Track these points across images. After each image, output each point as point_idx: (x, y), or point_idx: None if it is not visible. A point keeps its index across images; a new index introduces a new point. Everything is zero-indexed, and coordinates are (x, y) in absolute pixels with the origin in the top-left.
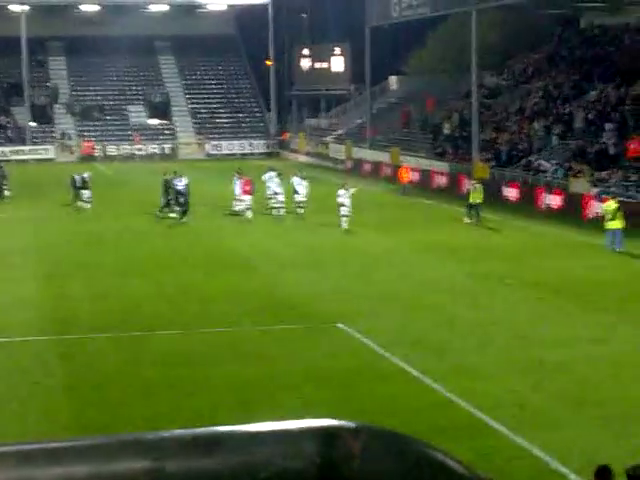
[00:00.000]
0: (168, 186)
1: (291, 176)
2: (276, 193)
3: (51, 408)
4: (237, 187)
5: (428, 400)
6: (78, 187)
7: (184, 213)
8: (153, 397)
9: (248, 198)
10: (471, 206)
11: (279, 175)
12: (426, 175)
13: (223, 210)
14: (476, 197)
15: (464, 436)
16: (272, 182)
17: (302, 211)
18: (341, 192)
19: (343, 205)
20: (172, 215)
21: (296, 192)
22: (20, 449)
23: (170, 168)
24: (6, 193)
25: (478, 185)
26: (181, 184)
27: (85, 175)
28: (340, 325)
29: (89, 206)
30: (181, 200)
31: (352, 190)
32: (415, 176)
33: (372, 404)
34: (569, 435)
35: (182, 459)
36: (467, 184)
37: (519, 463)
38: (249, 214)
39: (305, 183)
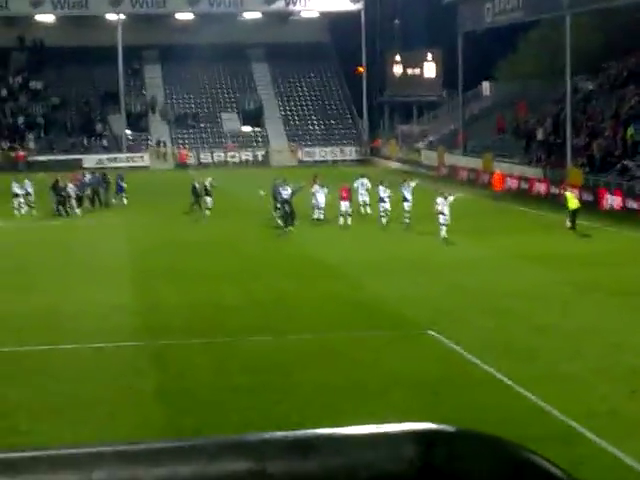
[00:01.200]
0: (276, 192)
1: (399, 184)
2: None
3: (143, 412)
4: (319, 196)
5: (519, 408)
6: (199, 194)
7: (287, 221)
8: (242, 402)
9: (346, 205)
10: (573, 213)
11: (383, 183)
12: (520, 181)
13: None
14: (573, 203)
15: (556, 444)
16: (363, 189)
17: (408, 221)
18: (440, 200)
19: (442, 213)
20: (279, 222)
21: (405, 200)
22: (123, 449)
23: (280, 175)
24: (113, 201)
25: (571, 192)
26: (286, 192)
27: (207, 182)
28: (430, 332)
29: (208, 213)
30: (286, 209)
31: (451, 198)
32: (509, 182)
33: (462, 411)
34: None
35: (283, 461)
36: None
37: (612, 472)
38: (342, 220)
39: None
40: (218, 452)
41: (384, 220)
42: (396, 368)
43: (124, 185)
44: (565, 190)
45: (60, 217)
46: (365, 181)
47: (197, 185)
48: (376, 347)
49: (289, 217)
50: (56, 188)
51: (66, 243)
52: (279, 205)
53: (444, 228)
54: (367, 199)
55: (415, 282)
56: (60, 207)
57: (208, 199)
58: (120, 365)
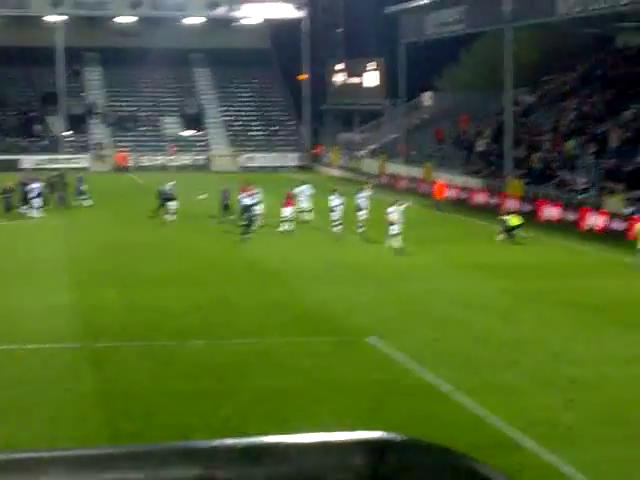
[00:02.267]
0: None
1: (356, 192)
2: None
3: (82, 415)
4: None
5: (458, 416)
6: (164, 199)
7: (247, 231)
8: (182, 407)
9: (289, 211)
10: (510, 229)
11: (334, 192)
12: (460, 191)
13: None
14: (515, 220)
15: (495, 453)
16: (303, 196)
17: (362, 229)
18: (391, 209)
19: (393, 223)
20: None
21: (359, 209)
22: (70, 454)
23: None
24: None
25: (512, 213)
26: (247, 199)
27: (168, 186)
28: (371, 339)
29: (174, 218)
30: (250, 215)
31: (403, 207)
32: (449, 192)
33: (402, 419)
34: (601, 454)
35: (232, 468)
36: (507, 201)
37: None
38: (287, 226)
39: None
40: (167, 458)
41: (336, 230)
42: (337, 375)
43: (83, 188)
44: (504, 215)
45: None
46: (305, 188)
47: (162, 189)
48: (318, 353)
49: (250, 224)
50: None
51: (7, 244)
52: (241, 212)
53: (399, 238)
54: (307, 205)
55: (358, 289)
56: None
57: (171, 203)
58: (59, 367)
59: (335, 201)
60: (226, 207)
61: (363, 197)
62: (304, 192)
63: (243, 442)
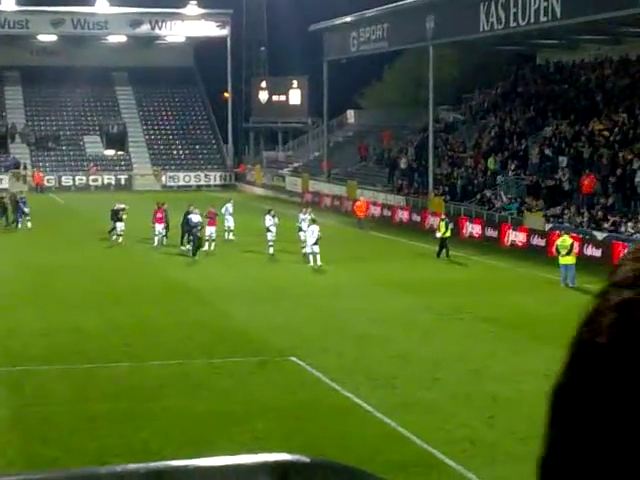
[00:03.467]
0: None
1: (299, 214)
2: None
3: None
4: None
5: (380, 434)
6: (115, 219)
7: (197, 249)
8: (100, 430)
9: (211, 230)
10: (442, 242)
11: (270, 212)
12: (383, 209)
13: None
14: (445, 232)
15: (415, 470)
16: (227, 214)
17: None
18: (267, 217)
19: (269, 230)
20: (183, 248)
21: (300, 230)
22: None
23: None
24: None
25: (444, 220)
26: (197, 218)
27: (118, 207)
28: (293, 358)
29: (121, 239)
30: (197, 234)
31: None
32: (372, 210)
33: (324, 438)
34: (519, 471)
35: None
36: (428, 219)
37: None
38: (207, 246)
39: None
40: None
41: (270, 250)
42: (259, 395)
43: (26, 209)
44: (441, 219)
45: None
46: (229, 206)
47: (115, 209)
48: (239, 374)
49: (197, 243)
50: None
51: None
52: (188, 232)
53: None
54: (232, 224)
55: (279, 309)
56: None
57: (119, 224)
58: None
59: (270, 221)
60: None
61: (304, 219)
62: (228, 210)
63: (145, 467)
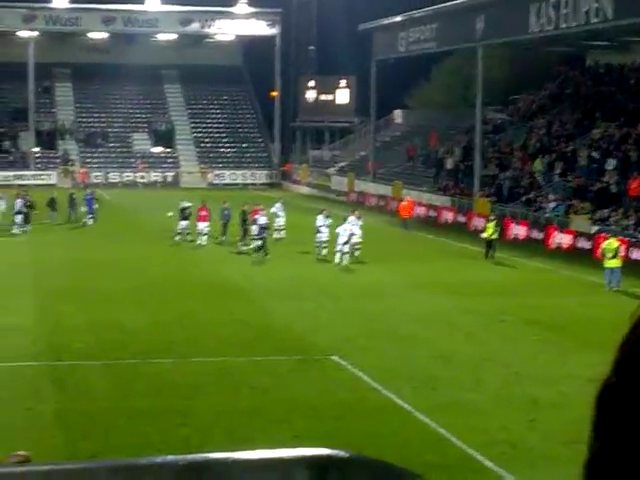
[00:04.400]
0: (245, 218)
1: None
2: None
3: (41, 435)
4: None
5: (420, 435)
6: (181, 217)
7: (260, 249)
8: (142, 426)
9: (204, 225)
10: (488, 242)
11: (322, 212)
12: (428, 209)
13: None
14: (492, 233)
15: (455, 472)
16: (279, 213)
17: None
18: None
19: (319, 232)
20: (245, 248)
21: (353, 234)
22: (8, 471)
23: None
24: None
25: (493, 221)
26: (264, 219)
27: (184, 205)
28: (334, 357)
29: (184, 237)
30: (264, 235)
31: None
32: (417, 210)
33: (363, 438)
34: (560, 475)
35: None
36: (474, 220)
37: None
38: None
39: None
40: (110, 476)
41: (323, 251)
42: (299, 394)
43: (95, 207)
44: (490, 219)
45: None
46: (279, 205)
47: (182, 207)
48: (280, 372)
49: (265, 244)
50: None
51: None
52: (256, 232)
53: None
54: (282, 223)
55: (322, 308)
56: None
57: (183, 222)
58: (18, 387)
59: (322, 222)
60: (225, 226)
61: (356, 223)
62: (278, 209)
63: (185, 459)
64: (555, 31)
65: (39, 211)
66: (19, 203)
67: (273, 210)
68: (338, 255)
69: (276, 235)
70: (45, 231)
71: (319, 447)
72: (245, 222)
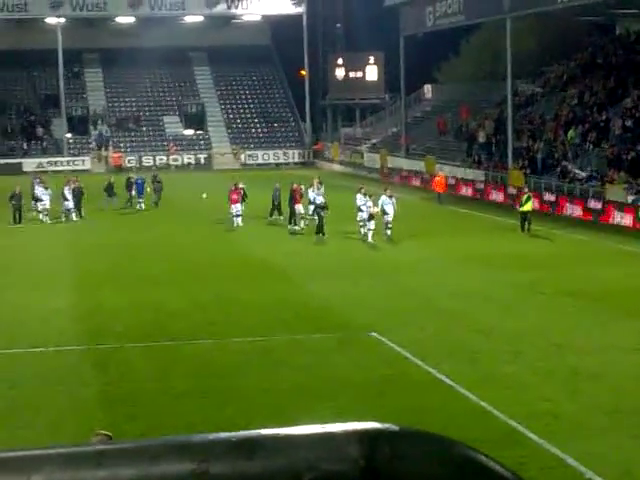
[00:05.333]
0: (293, 197)
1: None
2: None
3: (85, 417)
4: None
5: (461, 409)
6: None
7: (320, 230)
8: (186, 407)
9: (237, 207)
10: (524, 216)
11: (360, 191)
12: (462, 183)
13: (260, 219)
14: (527, 206)
15: (498, 445)
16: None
17: (390, 232)
18: (383, 198)
19: (386, 213)
20: (298, 228)
21: (385, 213)
22: (64, 451)
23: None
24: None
25: (528, 195)
26: (320, 198)
27: (241, 185)
28: (374, 334)
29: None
30: (322, 214)
31: (393, 199)
32: (451, 184)
33: (406, 413)
34: (604, 445)
35: (226, 462)
36: (509, 192)
37: (553, 473)
38: (239, 221)
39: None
40: (160, 453)
41: (362, 230)
42: (340, 371)
43: (147, 189)
44: (525, 193)
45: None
46: (317, 183)
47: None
48: (320, 350)
49: (320, 223)
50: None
51: (7, 247)
52: (313, 210)
53: (390, 228)
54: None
55: (359, 284)
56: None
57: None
58: (61, 370)
59: (362, 200)
60: (277, 206)
61: (389, 201)
62: (317, 188)
63: (236, 435)
64: (583, 0)
65: (94, 196)
66: (68, 189)
67: (311, 191)
68: (362, 230)
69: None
70: (97, 216)
71: (369, 421)
72: (293, 201)
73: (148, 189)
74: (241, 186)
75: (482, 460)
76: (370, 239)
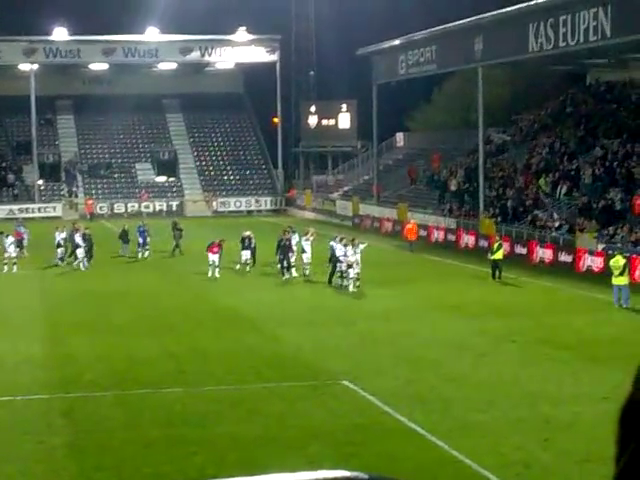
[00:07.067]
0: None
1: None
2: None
3: (54, 467)
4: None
5: (433, 458)
6: (243, 247)
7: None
8: (156, 456)
9: (215, 257)
10: (495, 263)
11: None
12: (433, 232)
13: (229, 269)
14: (498, 254)
15: None
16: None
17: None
18: (349, 250)
19: (351, 267)
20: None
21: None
22: None
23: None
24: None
25: (499, 242)
26: (341, 249)
27: (245, 235)
28: (345, 382)
29: (248, 268)
30: (343, 267)
31: (361, 246)
32: (422, 233)
33: (377, 462)
34: None
35: None
36: (479, 241)
37: None
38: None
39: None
40: None
41: (340, 282)
42: (312, 419)
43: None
44: (496, 241)
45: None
46: (296, 236)
47: (244, 237)
48: (291, 398)
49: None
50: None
51: None
52: (331, 263)
53: (355, 281)
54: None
55: (330, 333)
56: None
57: (245, 252)
58: (30, 419)
59: (341, 250)
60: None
61: (357, 250)
62: (306, 244)
63: None
64: (554, 50)
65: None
66: (78, 237)
67: (303, 242)
68: (340, 281)
69: (306, 271)
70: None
71: (338, 469)
72: (286, 249)
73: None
74: (247, 234)
75: None
76: (352, 288)
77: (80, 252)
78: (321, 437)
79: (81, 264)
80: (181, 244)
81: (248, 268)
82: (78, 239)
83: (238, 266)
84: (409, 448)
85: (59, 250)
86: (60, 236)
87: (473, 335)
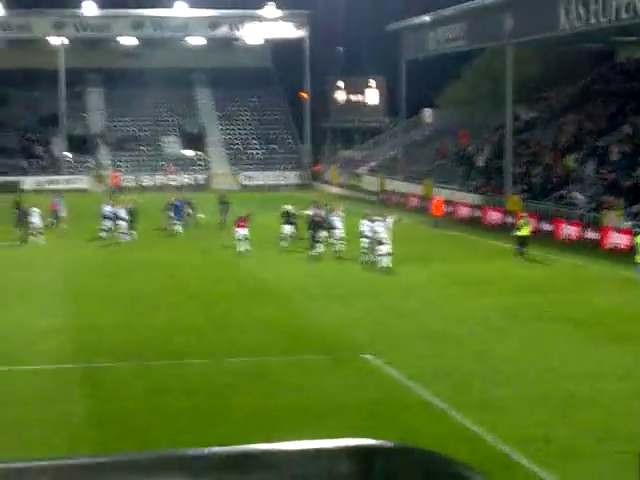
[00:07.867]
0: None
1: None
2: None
3: (76, 436)
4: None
5: (452, 432)
6: (285, 222)
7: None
8: (178, 426)
9: (244, 231)
10: (521, 240)
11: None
12: (459, 207)
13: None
14: (524, 230)
15: (490, 470)
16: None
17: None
18: (377, 226)
19: (381, 243)
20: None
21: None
22: (54, 464)
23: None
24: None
25: (525, 219)
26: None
27: (287, 209)
28: (366, 356)
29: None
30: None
31: (390, 221)
32: (448, 208)
33: (396, 436)
34: (594, 469)
35: (218, 476)
36: (506, 217)
37: None
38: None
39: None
40: (153, 467)
41: (367, 257)
42: (333, 392)
43: (186, 212)
44: (522, 217)
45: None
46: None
47: (288, 210)
48: (314, 371)
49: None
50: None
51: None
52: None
53: (387, 256)
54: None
55: (354, 307)
56: None
57: (287, 227)
58: (53, 388)
59: (367, 226)
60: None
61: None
62: (336, 216)
63: (230, 450)
64: (585, 27)
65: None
66: (122, 210)
67: (333, 218)
68: (367, 257)
69: (337, 247)
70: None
71: (363, 437)
72: (316, 224)
73: (190, 211)
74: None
75: (474, 476)
76: (384, 264)
77: (123, 225)
78: (341, 410)
79: (122, 236)
80: (226, 218)
81: (287, 243)
82: (122, 213)
83: (283, 242)
84: (428, 422)
85: (106, 222)
86: (106, 209)
87: (497, 311)
